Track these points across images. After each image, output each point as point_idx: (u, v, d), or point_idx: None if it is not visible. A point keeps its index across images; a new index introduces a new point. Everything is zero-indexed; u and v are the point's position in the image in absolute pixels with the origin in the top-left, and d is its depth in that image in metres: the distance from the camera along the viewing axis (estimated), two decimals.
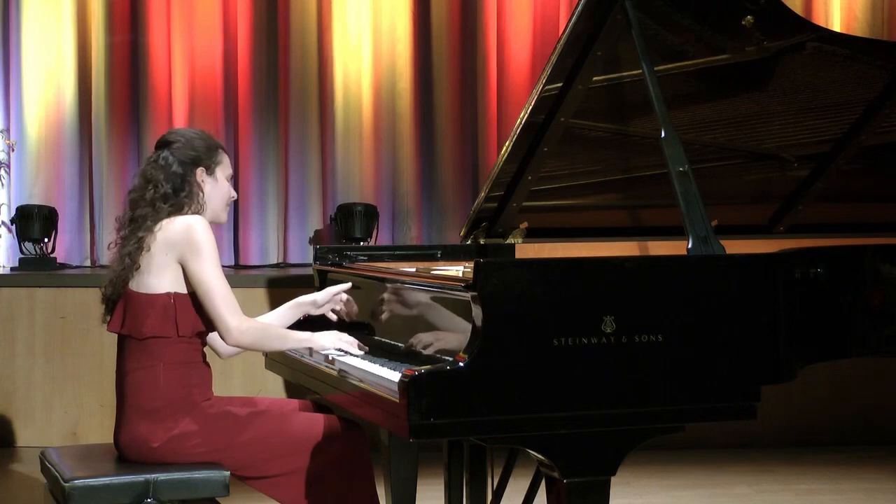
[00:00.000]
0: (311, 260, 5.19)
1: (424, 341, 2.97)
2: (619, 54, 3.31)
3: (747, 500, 5.00)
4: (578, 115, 3.48)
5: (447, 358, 2.72)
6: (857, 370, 5.97)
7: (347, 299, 3.42)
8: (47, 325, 5.92)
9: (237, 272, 6.48)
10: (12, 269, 6.47)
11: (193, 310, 3.12)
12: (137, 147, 6.80)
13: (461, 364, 2.52)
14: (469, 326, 2.60)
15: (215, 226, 3.28)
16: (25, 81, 6.77)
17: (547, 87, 3.35)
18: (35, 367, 5.91)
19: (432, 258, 3.93)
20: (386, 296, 3.27)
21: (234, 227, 6.82)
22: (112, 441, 3.19)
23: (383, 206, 6.84)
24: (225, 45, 6.88)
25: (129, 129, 6.81)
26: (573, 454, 2.61)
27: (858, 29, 6.88)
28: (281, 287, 5.98)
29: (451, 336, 2.82)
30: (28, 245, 6.42)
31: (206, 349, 3.24)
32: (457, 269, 3.23)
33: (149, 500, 2.99)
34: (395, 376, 2.66)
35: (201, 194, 3.21)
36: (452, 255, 3.92)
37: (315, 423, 3.13)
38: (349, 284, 3.44)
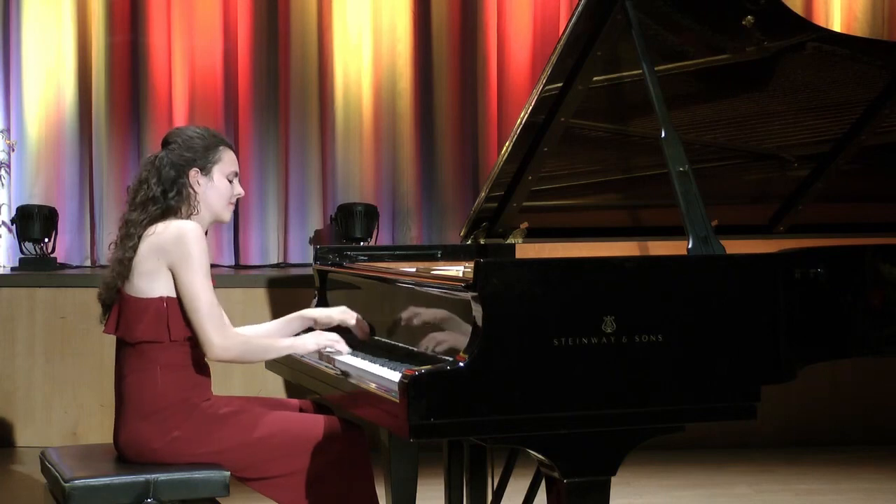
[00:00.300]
0: (311, 260, 5.19)
1: (424, 341, 2.97)
2: (620, 54, 3.31)
3: (747, 500, 5.00)
4: (579, 115, 3.48)
5: (447, 358, 2.72)
6: (857, 370, 5.98)
7: (359, 318, 3.36)
8: (47, 325, 5.92)
9: (237, 272, 6.49)
10: (12, 269, 6.47)
11: (186, 314, 3.10)
12: (138, 147, 6.79)
13: (461, 364, 2.52)
14: (469, 326, 2.60)
15: (216, 225, 3.28)
16: (26, 81, 6.76)
17: (547, 87, 3.35)
18: (35, 368, 5.91)
19: (432, 258, 3.93)
20: (386, 296, 3.27)
21: (235, 227, 6.82)
22: (112, 441, 3.19)
23: (383, 206, 6.84)
24: (225, 44, 6.87)
25: (129, 129, 6.81)
26: (573, 454, 2.61)
27: (858, 29, 6.88)
28: (281, 287, 5.98)
29: (451, 336, 2.82)
30: (28, 245, 6.42)
31: None
32: (457, 270, 3.23)
33: (149, 501, 2.99)
34: (395, 376, 2.66)
35: (195, 196, 3.19)
36: (453, 255, 3.92)
37: (315, 424, 3.13)
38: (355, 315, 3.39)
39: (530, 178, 3.65)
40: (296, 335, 3.40)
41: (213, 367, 3.22)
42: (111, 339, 3.19)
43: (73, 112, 6.78)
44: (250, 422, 3.11)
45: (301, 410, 3.32)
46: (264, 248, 6.87)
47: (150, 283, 3.09)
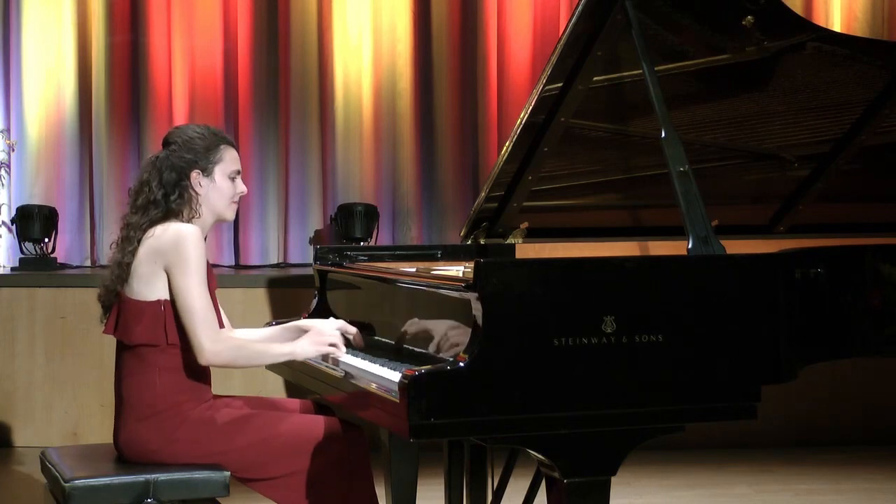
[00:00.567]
0: (311, 260, 5.19)
1: (424, 341, 2.97)
2: (620, 54, 3.31)
3: (747, 500, 5.00)
4: (579, 115, 3.48)
5: (447, 358, 2.72)
6: (857, 370, 5.98)
7: (357, 332, 3.32)
8: (47, 325, 5.92)
9: (237, 272, 6.49)
10: (12, 269, 6.47)
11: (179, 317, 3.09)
12: (138, 147, 6.80)
13: (461, 364, 2.52)
14: (469, 327, 2.60)
15: (217, 225, 3.27)
16: (26, 81, 6.76)
17: (547, 87, 3.35)
18: (35, 368, 5.91)
19: (433, 258, 3.93)
20: (386, 296, 3.27)
21: (235, 226, 6.81)
22: (112, 441, 3.19)
23: (383, 206, 6.84)
24: (225, 44, 6.87)
25: (129, 129, 6.81)
26: (573, 454, 2.61)
27: (859, 29, 6.88)
28: (281, 287, 5.98)
29: (451, 336, 2.82)
30: (28, 245, 6.42)
31: None
32: (457, 270, 3.22)
33: (149, 501, 2.99)
34: (395, 376, 2.66)
35: (197, 198, 3.18)
36: (453, 255, 3.91)
37: (315, 425, 3.12)
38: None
39: (530, 178, 3.65)
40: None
41: (213, 369, 3.21)
42: (111, 340, 3.19)
43: (73, 112, 6.78)
44: (250, 423, 3.11)
45: (301, 410, 3.32)
46: (264, 248, 6.87)
47: (149, 286, 3.09)
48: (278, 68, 6.89)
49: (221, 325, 3.20)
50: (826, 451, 5.87)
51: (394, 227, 6.95)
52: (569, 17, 3.23)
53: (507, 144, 3.55)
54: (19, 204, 6.57)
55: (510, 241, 3.84)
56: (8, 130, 6.73)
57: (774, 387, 2.76)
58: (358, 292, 3.50)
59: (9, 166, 6.69)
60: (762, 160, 3.87)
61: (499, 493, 3.53)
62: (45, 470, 3.21)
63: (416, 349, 3.01)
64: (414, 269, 3.37)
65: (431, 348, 2.92)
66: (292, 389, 5.66)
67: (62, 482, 2.99)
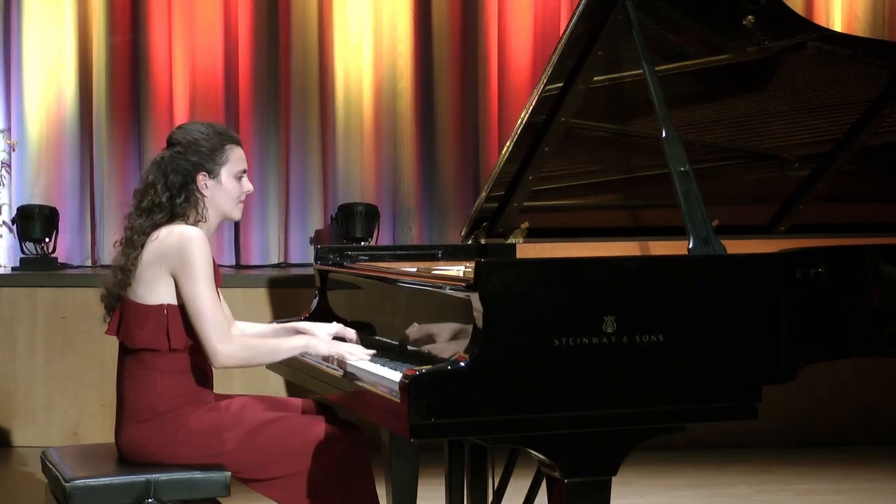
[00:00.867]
0: (311, 260, 5.19)
1: (425, 341, 2.97)
2: (620, 54, 3.31)
3: (748, 500, 5.00)
4: (579, 115, 3.48)
5: (448, 358, 2.72)
6: (857, 370, 5.97)
7: (356, 335, 3.31)
8: (48, 325, 5.92)
9: (238, 272, 6.49)
10: (13, 269, 6.47)
11: (188, 323, 3.07)
12: (138, 147, 6.80)
13: (462, 364, 2.52)
14: (470, 326, 2.60)
15: (221, 223, 3.26)
16: (26, 81, 6.76)
17: (548, 87, 3.35)
18: (36, 367, 5.91)
19: (433, 258, 3.93)
20: (387, 296, 3.27)
21: (235, 226, 6.81)
22: (112, 441, 3.19)
23: (384, 206, 6.84)
24: (226, 44, 6.87)
25: (129, 129, 6.81)
26: (574, 454, 2.61)
27: (859, 29, 6.88)
28: (282, 287, 5.98)
29: (451, 336, 2.82)
30: (29, 245, 6.42)
31: None
32: (458, 269, 3.23)
33: (150, 501, 2.99)
34: (395, 376, 2.66)
35: (203, 200, 3.15)
36: (453, 255, 3.92)
37: (315, 425, 3.12)
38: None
39: (531, 178, 3.65)
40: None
41: (215, 372, 3.20)
42: (112, 340, 3.19)
43: (73, 112, 6.78)
44: (250, 424, 3.11)
45: (302, 410, 3.31)
46: (265, 247, 6.87)
47: (152, 290, 3.07)
48: (279, 68, 6.89)
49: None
50: (826, 451, 5.87)
51: (394, 226, 6.95)
52: (569, 17, 3.23)
53: (507, 144, 3.55)
54: (20, 204, 6.58)
55: (511, 241, 3.84)
56: (9, 130, 6.73)
57: (774, 387, 2.76)
58: (358, 292, 3.50)
59: (9, 166, 6.70)
60: (763, 160, 3.87)
61: (499, 493, 3.53)
62: (45, 470, 3.21)
63: (416, 349, 3.01)
64: (414, 269, 3.37)
65: (432, 348, 2.92)
66: (293, 389, 5.66)
67: (63, 482, 3.00)
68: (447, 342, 2.85)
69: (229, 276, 6.17)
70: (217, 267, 3.22)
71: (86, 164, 6.82)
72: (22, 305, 5.93)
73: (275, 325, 3.49)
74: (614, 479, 2.66)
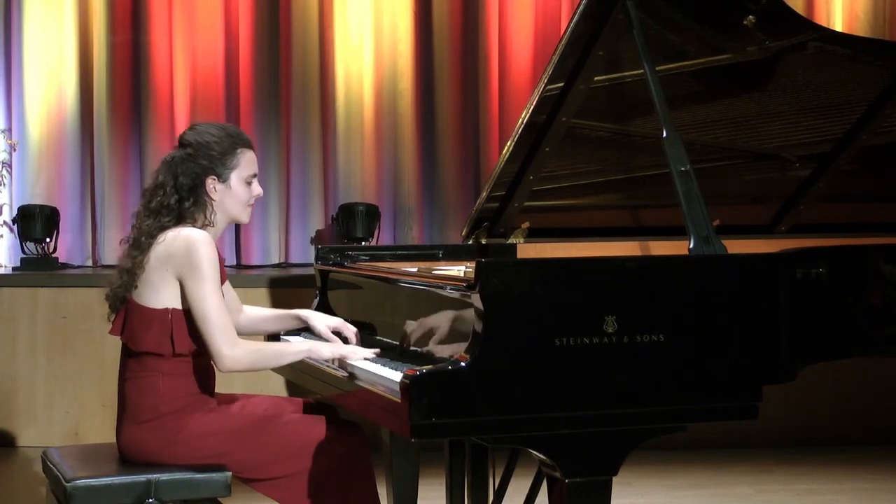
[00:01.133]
0: (312, 260, 5.19)
1: (426, 341, 2.97)
2: (621, 54, 3.31)
3: (748, 500, 5.00)
4: (580, 115, 3.48)
5: (449, 357, 2.72)
6: (858, 370, 5.98)
7: (356, 331, 3.31)
8: (49, 325, 5.92)
9: (239, 272, 6.49)
10: (14, 268, 6.47)
11: (192, 327, 3.06)
12: (139, 147, 6.80)
13: (463, 364, 2.52)
14: (470, 326, 2.60)
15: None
16: (27, 81, 6.76)
17: (548, 87, 3.35)
18: (37, 367, 5.92)
19: (434, 258, 3.93)
20: (387, 296, 3.27)
21: (236, 226, 6.80)
22: (113, 440, 3.19)
23: (385, 206, 6.84)
24: (226, 44, 6.87)
25: (130, 129, 6.81)
26: (575, 454, 2.61)
27: (860, 29, 6.88)
28: (282, 287, 5.99)
29: (452, 336, 2.82)
30: (30, 245, 6.42)
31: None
32: (458, 269, 3.23)
33: (150, 501, 2.99)
34: (396, 376, 2.66)
35: (211, 204, 3.14)
36: (454, 254, 3.92)
37: (316, 425, 3.12)
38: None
39: (531, 177, 3.65)
40: (289, 332, 3.44)
41: (218, 375, 3.20)
42: (112, 340, 3.18)
43: (74, 112, 6.78)
44: (251, 424, 3.11)
45: (303, 410, 3.31)
46: (265, 247, 6.87)
47: (157, 293, 3.07)
48: (279, 68, 6.90)
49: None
50: (826, 451, 5.87)
51: (395, 226, 6.96)
52: (570, 17, 3.23)
53: (508, 144, 3.55)
54: (21, 204, 6.58)
55: (511, 240, 3.84)
56: (9, 130, 6.73)
57: (774, 387, 2.76)
58: (359, 292, 3.50)
59: (10, 166, 6.70)
60: (763, 160, 3.87)
61: (500, 493, 3.53)
62: (46, 470, 3.21)
63: (417, 349, 3.01)
64: (415, 269, 3.37)
65: (433, 348, 2.92)
66: (293, 389, 5.66)
67: (64, 482, 3.00)
68: (448, 342, 2.85)
69: (230, 276, 6.14)
70: (223, 263, 3.21)
71: (86, 163, 6.82)
72: (23, 305, 5.93)
73: (277, 311, 3.50)
74: (614, 479, 2.66)
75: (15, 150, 6.69)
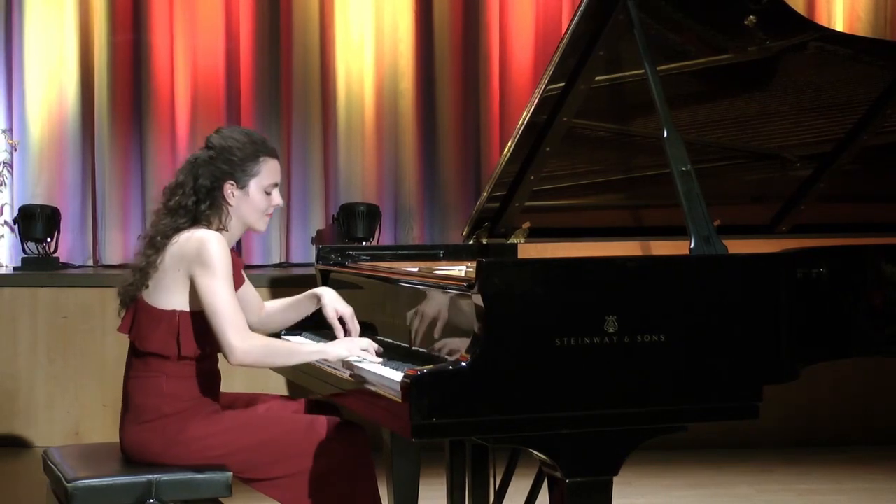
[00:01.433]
0: (313, 260, 5.20)
1: (426, 341, 2.97)
2: (622, 54, 3.31)
3: (748, 500, 5.00)
4: (581, 115, 3.48)
5: (449, 357, 2.72)
6: (858, 370, 5.98)
7: (352, 315, 3.29)
8: (50, 324, 5.92)
9: None
10: (15, 268, 6.47)
11: (199, 331, 3.06)
12: (140, 146, 6.80)
13: (463, 364, 2.52)
14: (471, 326, 2.60)
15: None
16: (28, 81, 6.76)
17: (549, 87, 3.35)
18: (37, 367, 5.92)
19: (435, 258, 3.93)
20: (388, 296, 3.27)
21: None
22: (113, 440, 3.19)
23: (386, 206, 6.85)
24: (227, 44, 6.87)
25: (131, 129, 6.80)
26: (575, 454, 2.61)
27: (861, 29, 6.88)
28: (283, 287, 5.98)
29: (453, 336, 2.83)
30: (30, 245, 6.42)
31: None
32: (459, 269, 3.23)
33: (151, 501, 2.99)
34: (397, 376, 2.66)
35: (228, 209, 3.14)
36: (455, 254, 3.92)
37: (317, 425, 3.12)
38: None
39: (532, 177, 3.65)
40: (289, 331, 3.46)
41: (220, 371, 3.20)
42: (113, 339, 3.20)
43: (75, 112, 6.78)
44: (253, 424, 3.11)
45: (304, 410, 3.31)
46: (266, 247, 6.87)
47: (167, 294, 3.07)
48: (280, 68, 6.90)
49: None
50: (826, 450, 5.87)
51: (396, 226, 6.96)
52: (571, 17, 3.23)
53: (509, 144, 3.55)
54: (22, 203, 6.58)
55: (512, 240, 3.84)
56: (10, 130, 6.73)
57: (775, 387, 2.76)
58: (360, 292, 3.51)
59: (11, 166, 6.70)
60: (764, 160, 3.87)
61: (501, 493, 3.53)
62: (47, 470, 3.21)
63: (418, 349, 3.01)
64: (416, 269, 3.37)
65: (433, 348, 2.92)
66: (294, 389, 5.66)
67: (64, 482, 3.00)
68: (448, 342, 2.85)
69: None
70: (241, 266, 3.22)
71: (87, 163, 6.82)
72: (23, 305, 5.93)
73: (292, 298, 3.50)
74: (615, 479, 2.66)
75: (16, 149, 6.69)
